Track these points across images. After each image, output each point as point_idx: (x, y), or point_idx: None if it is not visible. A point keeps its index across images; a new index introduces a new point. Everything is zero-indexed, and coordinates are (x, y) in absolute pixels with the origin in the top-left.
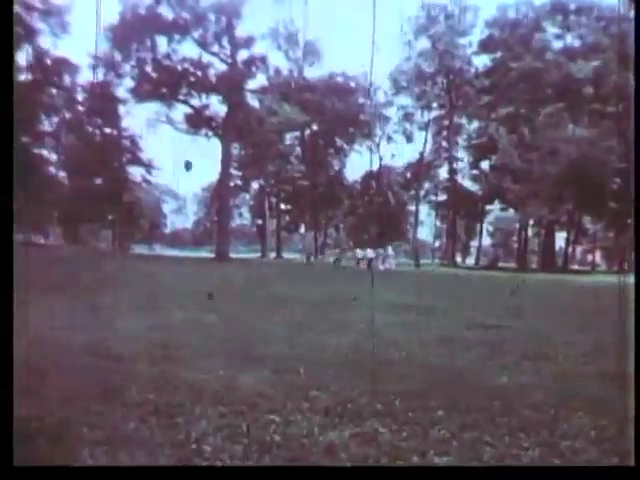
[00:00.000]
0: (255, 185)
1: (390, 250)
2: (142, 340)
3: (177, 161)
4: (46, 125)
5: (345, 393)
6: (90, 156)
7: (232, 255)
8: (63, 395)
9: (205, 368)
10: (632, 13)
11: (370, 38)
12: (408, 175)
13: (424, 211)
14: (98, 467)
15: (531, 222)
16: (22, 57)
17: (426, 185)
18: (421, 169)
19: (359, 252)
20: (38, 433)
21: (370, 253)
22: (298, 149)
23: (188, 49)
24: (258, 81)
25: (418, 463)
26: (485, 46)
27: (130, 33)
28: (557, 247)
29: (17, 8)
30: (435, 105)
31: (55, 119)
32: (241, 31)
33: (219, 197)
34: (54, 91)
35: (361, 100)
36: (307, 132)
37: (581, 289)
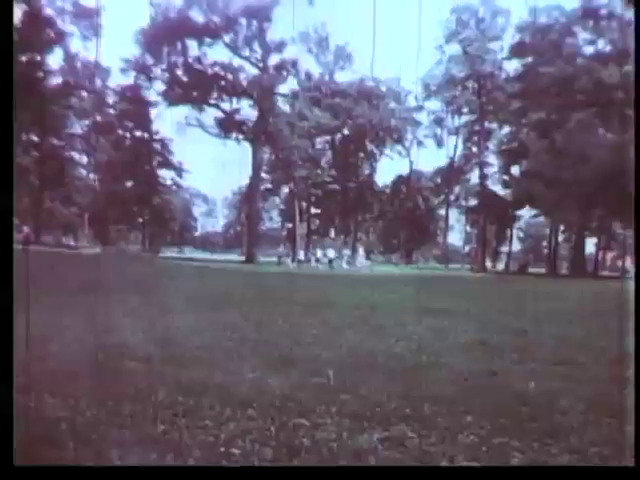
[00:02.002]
0: (285, 189)
1: (361, 251)
2: (172, 342)
3: (208, 164)
4: (77, 128)
5: (374, 397)
6: (121, 159)
7: (262, 258)
8: (94, 396)
9: (235, 371)
10: (632, 13)
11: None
12: (438, 180)
13: (454, 216)
14: (98, 467)
15: (561, 227)
16: (54, 60)
17: (456, 190)
18: (451, 174)
19: (319, 252)
20: (68, 434)
21: (330, 253)
22: (329, 153)
23: (219, 53)
24: (289, 85)
25: (418, 463)
26: (516, 51)
27: (161, 37)
28: (587, 253)
29: (49, 11)
30: (466, 110)
31: (86, 122)
32: (272, 35)
33: (249, 200)
34: (85, 94)
35: (392, 104)
36: (338, 136)
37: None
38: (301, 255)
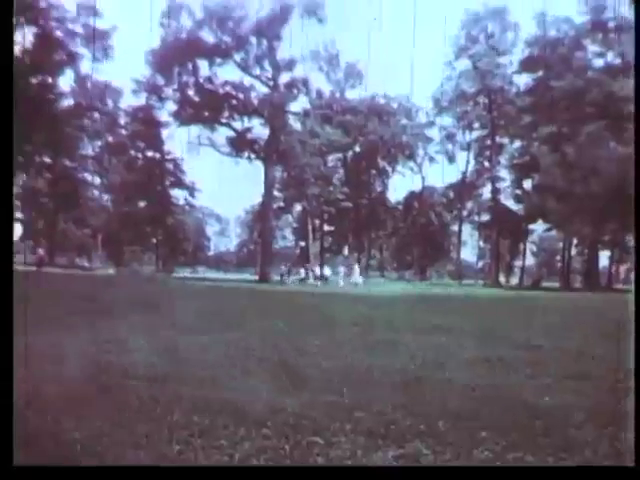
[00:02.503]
0: (298, 207)
1: (357, 267)
2: (187, 362)
3: (220, 183)
4: (89, 149)
5: (388, 414)
6: (133, 179)
7: (276, 277)
8: (109, 417)
9: (249, 389)
10: (632, 12)
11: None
12: (451, 195)
13: (467, 231)
14: (98, 467)
15: (574, 241)
16: (65, 82)
17: (469, 205)
18: (464, 189)
19: (317, 269)
20: (84, 454)
21: (326, 271)
22: (341, 171)
23: (230, 72)
24: (300, 103)
25: (418, 463)
26: (526, 65)
27: (172, 57)
28: (601, 266)
29: (59, 34)
30: (477, 125)
31: (98, 143)
32: (282, 53)
33: (262, 219)
34: (97, 115)
35: (403, 121)
36: (349, 154)
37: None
38: (302, 273)
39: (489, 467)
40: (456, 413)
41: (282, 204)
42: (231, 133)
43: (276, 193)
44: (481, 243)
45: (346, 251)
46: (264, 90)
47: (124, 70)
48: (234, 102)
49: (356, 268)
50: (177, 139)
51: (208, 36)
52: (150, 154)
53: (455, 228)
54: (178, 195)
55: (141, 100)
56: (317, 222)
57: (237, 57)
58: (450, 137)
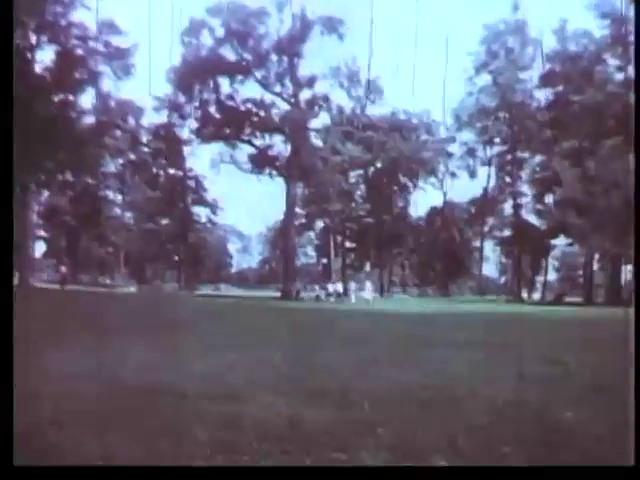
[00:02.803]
0: (320, 224)
1: (368, 284)
2: (210, 379)
3: (242, 201)
4: (111, 167)
5: (411, 430)
6: (155, 197)
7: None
8: (131, 434)
9: (270, 405)
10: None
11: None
12: (472, 211)
13: (489, 247)
14: (98, 467)
15: (597, 256)
16: (86, 100)
17: (490, 221)
18: (485, 205)
19: (330, 286)
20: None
21: (339, 287)
22: (362, 187)
23: (251, 89)
24: (321, 120)
25: (418, 463)
26: (546, 80)
27: (193, 74)
28: (624, 280)
29: (80, 52)
30: (498, 140)
31: (120, 161)
32: (303, 70)
33: (284, 236)
34: (118, 133)
35: (424, 137)
36: (371, 170)
37: None
38: (317, 290)
39: (489, 467)
40: (479, 428)
41: (304, 221)
42: (252, 150)
43: (298, 210)
44: (503, 258)
45: (368, 267)
46: (285, 107)
47: (145, 88)
48: (255, 119)
49: (368, 284)
50: (199, 156)
51: (229, 54)
52: (172, 171)
53: (477, 244)
54: (200, 212)
55: (162, 118)
56: (339, 239)
57: (258, 74)
58: (471, 152)
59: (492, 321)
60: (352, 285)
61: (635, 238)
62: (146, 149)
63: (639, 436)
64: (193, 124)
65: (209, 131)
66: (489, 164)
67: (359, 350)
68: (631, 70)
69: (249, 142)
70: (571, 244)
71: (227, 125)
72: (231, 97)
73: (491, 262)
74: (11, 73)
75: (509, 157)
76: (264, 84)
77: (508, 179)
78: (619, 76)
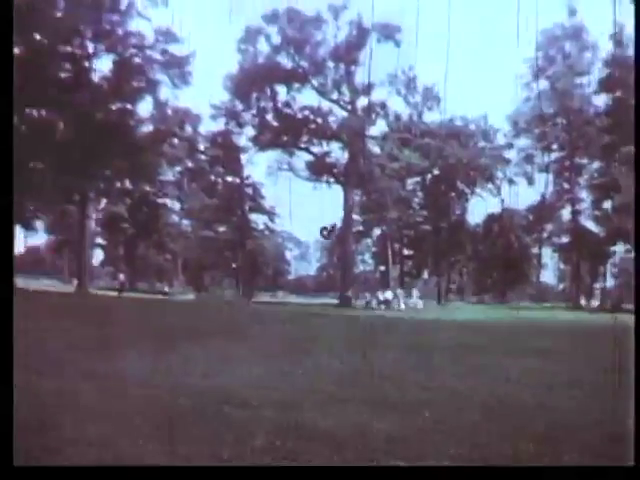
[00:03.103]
0: (377, 231)
1: (415, 291)
2: (269, 387)
3: (299, 208)
4: (169, 174)
5: (473, 437)
6: (213, 204)
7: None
8: (193, 441)
9: (332, 414)
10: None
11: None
12: (530, 218)
13: (547, 254)
14: (98, 467)
15: None
16: (144, 108)
17: (549, 227)
18: (543, 211)
19: (380, 294)
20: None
21: (388, 295)
22: (420, 194)
23: (308, 97)
24: (378, 127)
25: (418, 463)
26: (604, 85)
27: (250, 82)
28: None
29: (137, 60)
30: (555, 146)
31: (178, 168)
32: (360, 77)
33: (342, 243)
34: (176, 141)
35: (481, 143)
36: (428, 177)
37: None
38: (368, 297)
39: (489, 467)
40: (541, 436)
41: (361, 228)
42: (310, 157)
43: (355, 217)
44: (561, 265)
45: (426, 275)
46: (342, 114)
47: (203, 96)
48: (312, 126)
49: (415, 292)
50: (256, 164)
51: (286, 61)
52: (229, 179)
53: (535, 250)
54: (257, 220)
55: (220, 125)
56: (397, 246)
57: (315, 82)
58: (529, 159)
59: (553, 328)
60: (401, 292)
61: (635, 238)
62: (203, 157)
63: (639, 436)
64: (250, 132)
65: (266, 139)
66: (547, 170)
67: (418, 357)
68: None
69: (306, 149)
70: (629, 250)
71: (284, 133)
72: (288, 104)
73: (549, 269)
74: (11, 74)
75: (567, 163)
76: (321, 91)
77: (566, 185)
78: None
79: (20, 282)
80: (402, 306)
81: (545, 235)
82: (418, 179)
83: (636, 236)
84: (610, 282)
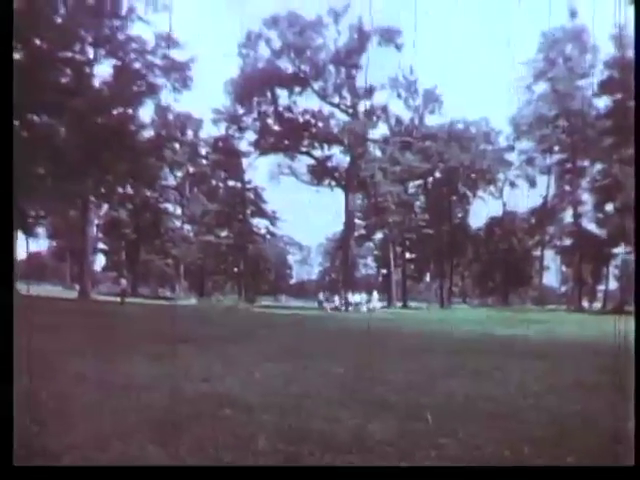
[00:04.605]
0: (379, 234)
1: (375, 294)
2: (270, 391)
3: (301, 212)
4: (171, 179)
5: (473, 441)
6: (215, 209)
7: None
8: (194, 445)
9: (334, 417)
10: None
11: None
12: (532, 220)
13: (549, 256)
14: (98, 467)
15: None
16: (145, 113)
17: (551, 230)
18: (545, 214)
19: (350, 296)
20: None
21: (355, 297)
22: (421, 197)
23: (309, 101)
24: (379, 130)
25: (417, 463)
26: (605, 87)
27: (251, 86)
28: None
29: (138, 65)
30: (557, 148)
31: (179, 173)
32: (361, 81)
33: (343, 247)
34: (177, 146)
35: (482, 146)
36: (430, 180)
37: None
38: (337, 301)
39: (489, 467)
40: (542, 439)
41: (363, 232)
42: (311, 161)
43: (357, 221)
44: (564, 268)
45: (428, 278)
46: (344, 118)
47: (204, 100)
48: (314, 130)
49: (374, 294)
50: (258, 168)
51: (287, 65)
52: (231, 184)
53: (537, 253)
54: (259, 224)
55: (221, 130)
56: (399, 249)
57: (316, 86)
58: (530, 161)
59: (550, 330)
60: (363, 296)
61: (635, 238)
62: (205, 161)
63: (639, 436)
64: (252, 136)
65: (268, 143)
66: (548, 173)
67: (419, 361)
68: None
69: (308, 153)
70: (630, 252)
71: (286, 137)
72: (289, 109)
73: (552, 271)
74: (11, 76)
75: (569, 165)
76: (322, 95)
77: (568, 187)
78: None
79: (22, 288)
80: (364, 309)
81: (547, 237)
82: (420, 182)
83: (636, 236)
84: (612, 284)
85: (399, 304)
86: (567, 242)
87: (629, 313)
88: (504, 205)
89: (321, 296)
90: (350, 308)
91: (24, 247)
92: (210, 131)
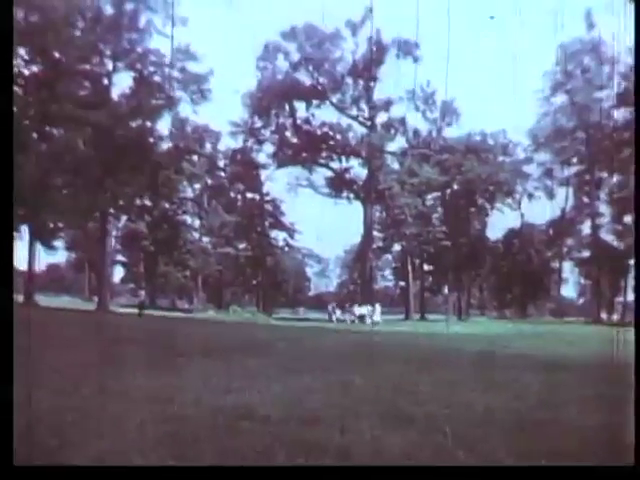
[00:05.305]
0: (397, 247)
1: (377, 306)
2: (290, 403)
3: (319, 224)
4: (189, 191)
5: (492, 454)
6: (233, 221)
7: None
8: (215, 457)
9: (352, 430)
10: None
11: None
12: (550, 232)
13: (568, 268)
14: (98, 467)
15: None
16: (163, 126)
17: (569, 242)
18: (563, 226)
19: (356, 309)
20: None
21: (360, 310)
22: (439, 210)
23: (327, 113)
24: (397, 143)
25: (418, 463)
26: (623, 99)
27: (269, 99)
28: None
29: (156, 78)
30: (575, 160)
31: (197, 185)
32: (379, 94)
33: (362, 259)
34: (195, 158)
35: (500, 158)
36: (448, 192)
37: None
38: (339, 314)
39: (489, 467)
40: (561, 452)
41: (381, 244)
42: (330, 174)
43: (375, 233)
44: (582, 280)
45: (446, 290)
46: (362, 130)
47: (222, 113)
48: (332, 143)
49: (377, 307)
50: (276, 180)
51: (304, 78)
52: (249, 196)
53: (555, 265)
54: (277, 236)
55: (239, 142)
56: (417, 261)
57: (334, 98)
58: (548, 173)
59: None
60: (369, 308)
61: (635, 239)
62: (223, 174)
63: (639, 436)
64: (270, 148)
65: (286, 155)
66: (567, 184)
67: (437, 373)
68: None
69: (326, 166)
70: None
71: (304, 149)
72: (307, 121)
73: (570, 283)
74: (11, 78)
75: (587, 177)
76: (340, 108)
77: (586, 199)
78: None
79: (41, 300)
80: (368, 321)
81: (565, 249)
82: (438, 194)
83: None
84: (631, 296)
85: (417, 316)
86: (585, 254)
87: None
88: (522, 217)
89: (330, 308)
90: (356, 321)
91: (43, 258)
92: (228, 143)
